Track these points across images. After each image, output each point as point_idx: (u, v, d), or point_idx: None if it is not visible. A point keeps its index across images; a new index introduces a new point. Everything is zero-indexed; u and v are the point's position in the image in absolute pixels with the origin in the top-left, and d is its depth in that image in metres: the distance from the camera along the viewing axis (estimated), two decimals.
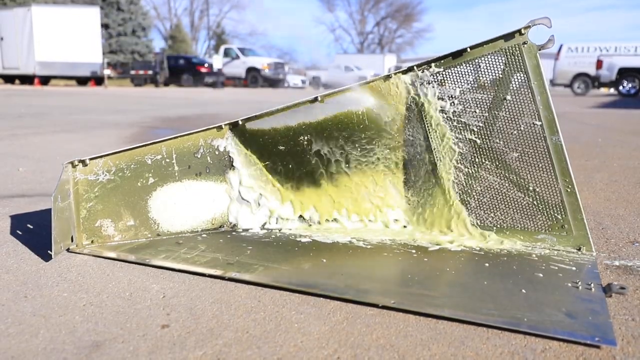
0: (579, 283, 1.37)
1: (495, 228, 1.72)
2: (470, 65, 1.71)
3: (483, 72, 1.71)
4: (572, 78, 19.25)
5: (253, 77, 27.06)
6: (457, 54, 1.73)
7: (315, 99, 1.81)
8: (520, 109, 1.67)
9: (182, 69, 26.47)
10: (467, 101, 1.73)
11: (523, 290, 1.32)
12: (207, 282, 1.41)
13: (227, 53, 28.11)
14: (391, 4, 57.27)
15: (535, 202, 1.68)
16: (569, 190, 1.64)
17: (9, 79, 25.95)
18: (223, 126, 1.84)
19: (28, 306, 1.25)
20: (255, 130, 1.86)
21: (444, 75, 1.75)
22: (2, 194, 2.46)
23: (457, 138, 1.75)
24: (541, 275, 1.43)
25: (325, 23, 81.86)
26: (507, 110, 1.69)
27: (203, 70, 25.81)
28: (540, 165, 1.66)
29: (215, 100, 12.57)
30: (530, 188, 1.68)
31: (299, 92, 23.14)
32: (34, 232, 1.86)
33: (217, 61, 27.06)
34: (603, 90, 21.52)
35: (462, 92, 1.73)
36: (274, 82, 27.29)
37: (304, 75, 35.80)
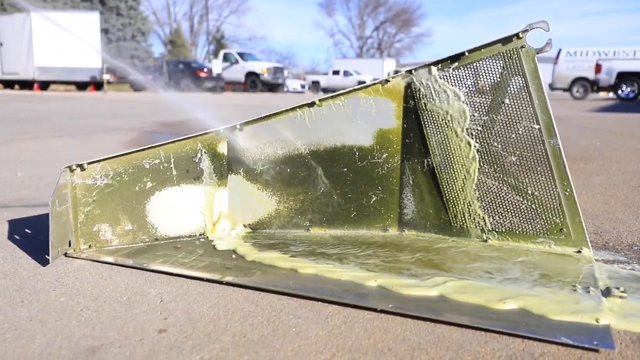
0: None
1: (494, 231, 1.72)
2: (468, 69, 1.71)
3: (481, 76, 1.71)
4: (571, 82, 19.25)
5: (252, 82, 27.02)
6: (455, 58, 1.73)
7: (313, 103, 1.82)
8: (519, 113, 1.67)
9: (182, 74, 26.46)
10: (468, 104, 1.72)
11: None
12: (205, 286, 1.41)
13: (226, 58, 28.07)
14: (390, 8, 57.47)
15: (533, 206, 1.68)
16: (567, 193, 1.64)
17: (9, 84, 25.94)
18: (221, 130, 1.84)
19: (25, 311, 1.24)
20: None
21: (444, 79, 1.75)
22: (0, 199, 2.46)
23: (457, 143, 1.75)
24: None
25: (325, 28, 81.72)
26: (505, 113, 1.69)
27: (202, 75, 25.80)
28: (539, 168, 1.66)
29: (214, 105, 12.57)
30: (529, 191, 1.68)
31: (298, 96, 23.16)
32: (32, 236, 1.85)
33: (217, 66, 27.06)
34: (602, 94, 21.55)
35: (464, 94, 1.72)
36: (273, 87, 27.27)
37: (303, 79, 35.85)
